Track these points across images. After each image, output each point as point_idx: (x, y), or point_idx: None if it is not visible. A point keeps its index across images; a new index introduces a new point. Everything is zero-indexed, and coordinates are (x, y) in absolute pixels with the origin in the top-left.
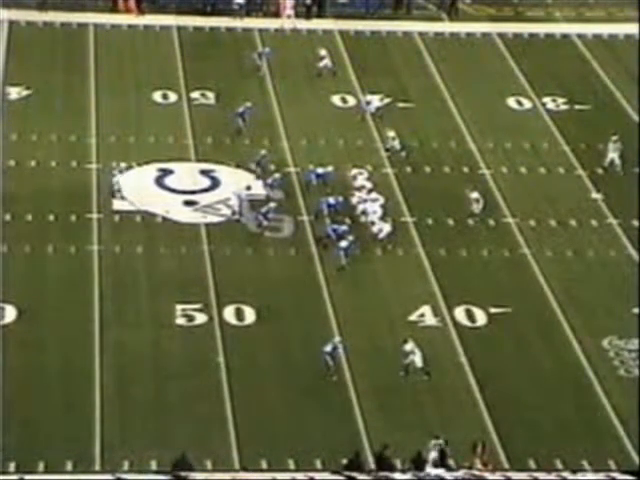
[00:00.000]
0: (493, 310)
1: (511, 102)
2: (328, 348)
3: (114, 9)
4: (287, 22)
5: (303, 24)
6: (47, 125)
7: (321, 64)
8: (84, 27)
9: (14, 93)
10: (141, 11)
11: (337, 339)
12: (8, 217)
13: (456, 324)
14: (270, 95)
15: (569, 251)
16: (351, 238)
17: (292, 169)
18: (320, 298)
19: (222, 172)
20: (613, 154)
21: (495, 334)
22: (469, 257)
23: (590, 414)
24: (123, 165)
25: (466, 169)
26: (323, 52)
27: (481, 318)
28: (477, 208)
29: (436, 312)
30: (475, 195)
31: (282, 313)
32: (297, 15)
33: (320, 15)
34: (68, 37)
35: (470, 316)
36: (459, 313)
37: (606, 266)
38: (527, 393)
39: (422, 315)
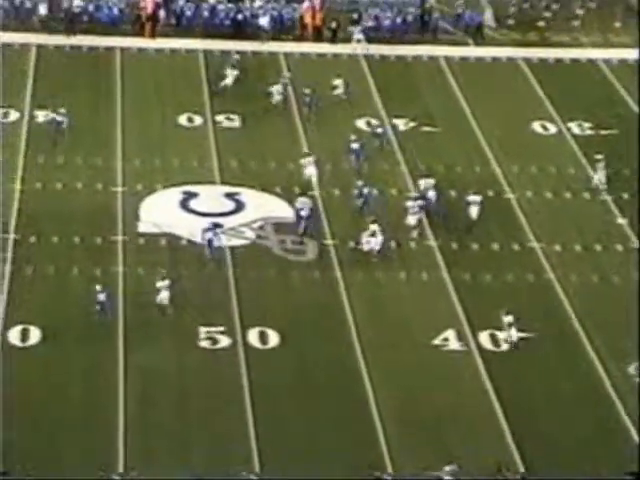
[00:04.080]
0: (518, 335)
1: (536, 126)
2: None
3: (141, 33)
4: (358, 47)
5: (328, 48)
6: (73, 148)
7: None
8: (111, 50)
9: (41, 116)
10: (153, 35)
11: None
12: (33, 239)
13: (480, 349)
14: (295, 119)
15: (594, 276)
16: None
17: (316, 192)
18: (344, 322)
19: (247, 195)
20: (601, 173)
21: (519, 359)
22: (494, 281)
23: (615, 440)
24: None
25: (491, 193)
26: (337, 81)
27: (505, 343)
28: None
29: (460, 336)
30: None
31: (306, 336)
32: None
33: (346, 40)
34: (95, 60)
35: (494, 341)
36: (483, 338)
37: (632, 291)
38: (551, 419)
39: (446, 339)
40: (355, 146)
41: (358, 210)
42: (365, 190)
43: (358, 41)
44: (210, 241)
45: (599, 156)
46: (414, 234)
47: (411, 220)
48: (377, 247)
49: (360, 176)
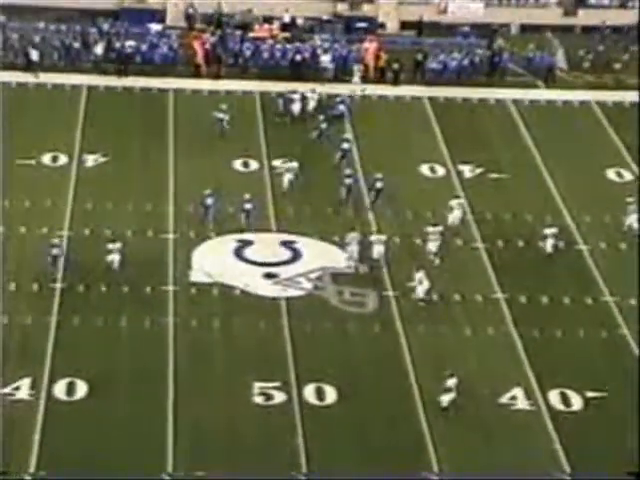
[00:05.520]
0: (590, 394)
1: (611, 174)
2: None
3: (196, 74)
4: (357, 88)
5: (390, 90)
6: (123, 193)
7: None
8: (164, 92)
9: (90, 160)
10: (215, 75)
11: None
12: (82, 288)
13: (550, 408)
14: (355, 161)
15: None
16: None
17: (374, 237)
18: (405, 378)
19: (304, 243)
20: (632, 217)
21: (591, 419)
22: (564, 337)
23: None
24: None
25: (562, 244)
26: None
27: (577, 402)
28: None
29: (529, 395)
30: None
31: (365, 393)
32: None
33: (410, 81)
34: (147, 102)
35: (565, 400)
36: (553, 397)
37: None
38: None
39: (514, 398)
40: (346, 146)
41: (342, 201)
42: (348, 180)
43: (356, 82)
44: (208, 207)
45: (630, 199)
46: (436, 261)
47: (431, 247)
48: (421, 294)
49: (346, 166)
